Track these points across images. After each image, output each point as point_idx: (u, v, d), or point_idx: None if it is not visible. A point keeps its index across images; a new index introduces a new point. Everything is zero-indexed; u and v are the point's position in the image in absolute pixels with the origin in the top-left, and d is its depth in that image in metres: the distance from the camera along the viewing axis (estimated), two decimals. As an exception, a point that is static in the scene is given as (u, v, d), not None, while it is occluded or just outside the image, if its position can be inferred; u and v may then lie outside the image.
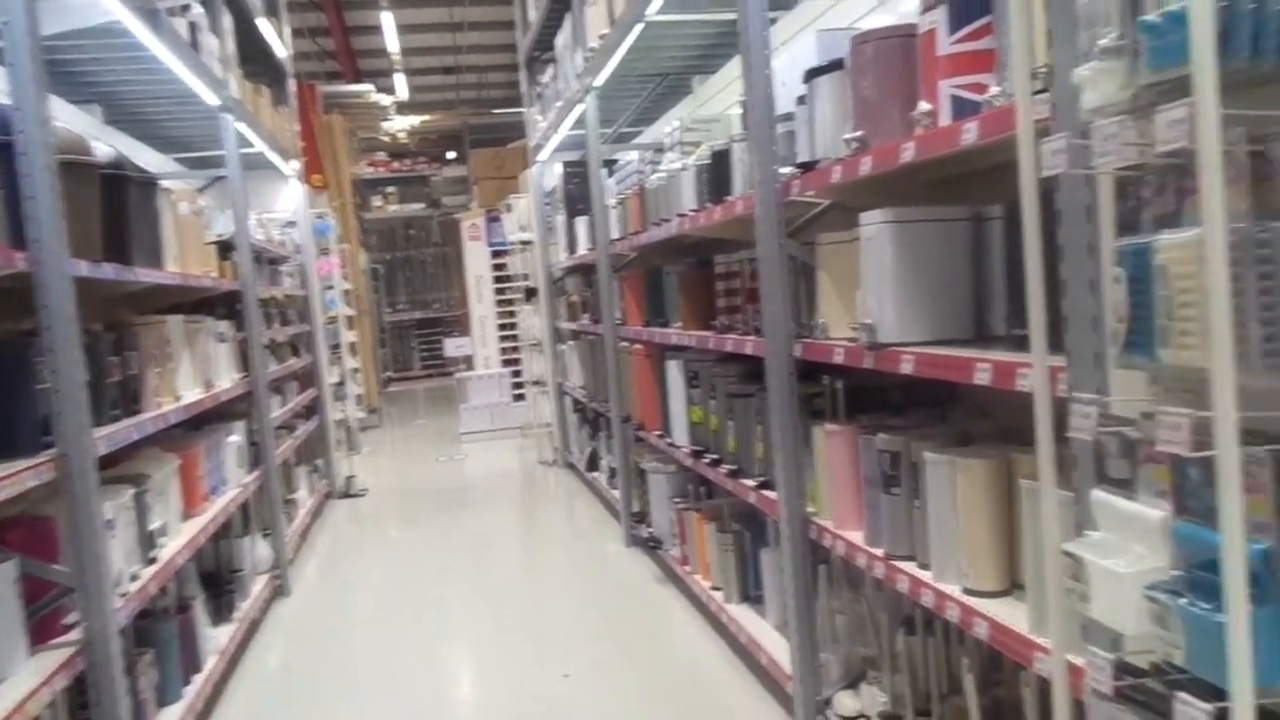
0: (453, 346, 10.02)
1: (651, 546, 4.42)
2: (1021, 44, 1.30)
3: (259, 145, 5.25)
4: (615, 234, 4.73)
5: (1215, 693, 1.02)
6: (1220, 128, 0.94)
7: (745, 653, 3.20)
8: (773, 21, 3.81)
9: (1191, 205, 1.01)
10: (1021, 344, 1.48)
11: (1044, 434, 1.31)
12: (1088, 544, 1.20)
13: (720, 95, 4.62)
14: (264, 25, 5.77)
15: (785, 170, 2.53)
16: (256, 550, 4.27)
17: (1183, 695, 1.03)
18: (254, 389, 4.39)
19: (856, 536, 2.34)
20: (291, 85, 6.80)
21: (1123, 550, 1.15)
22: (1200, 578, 1.03)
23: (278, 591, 4.45)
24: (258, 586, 4.13)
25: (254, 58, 5.52)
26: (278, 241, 6.05)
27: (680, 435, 3.77)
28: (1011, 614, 1.76)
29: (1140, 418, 1.15)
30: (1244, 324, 0.96)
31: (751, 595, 3.39)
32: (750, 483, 2.98)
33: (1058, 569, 1.23)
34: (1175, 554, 1.09)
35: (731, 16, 2.63)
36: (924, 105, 1.89)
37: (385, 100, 13.15)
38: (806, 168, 2.44)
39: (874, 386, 2.49)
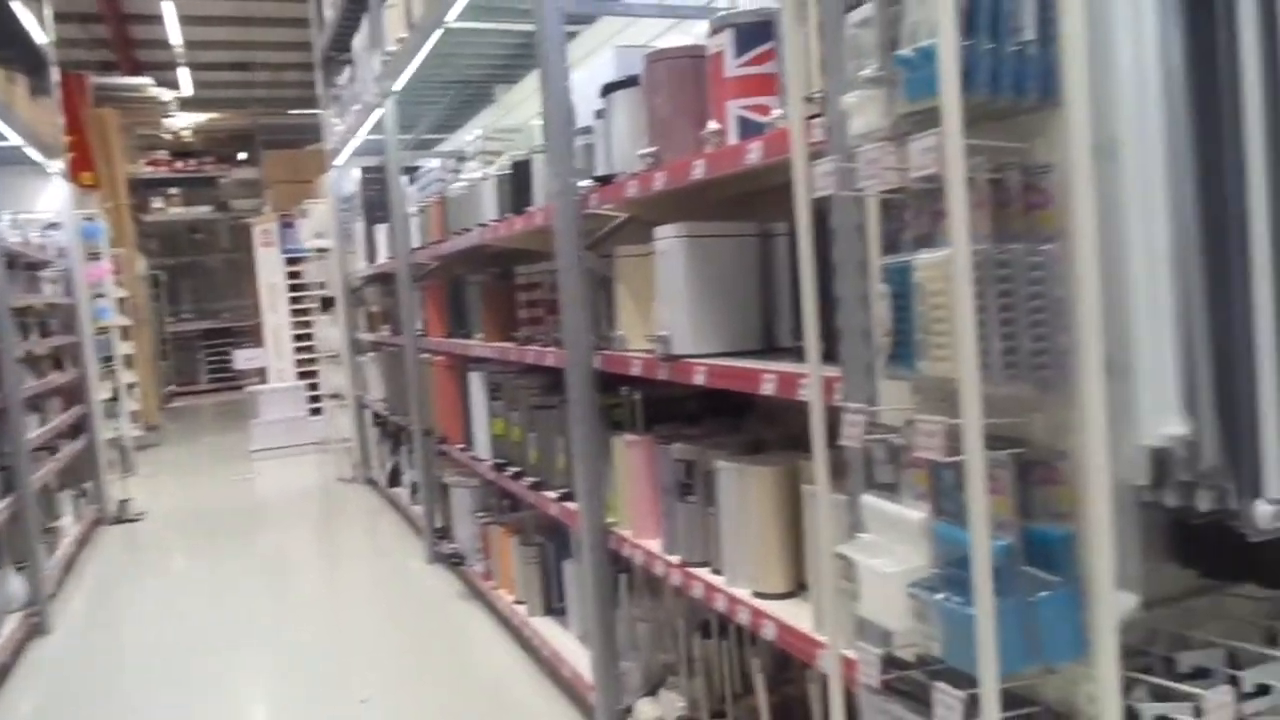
0: (244, 359, 9.46)
1: (454, 562, 4.32)
2: (795, 71, 1.37)
3: (14, 138, 4.75)
4: (416, 243, 4.61)
5: (968, 681, 1.10)
6: (964, 156, 1.01)
7: (549, 666, 3.19)
8: (573, 36, 3.85)
9: (943, 227, 1.09)
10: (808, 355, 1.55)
11: (819, 442, 1.38)
12: (858, 546, 1.26)
13: (523, 105, 4.60)
14: (19, 7, 5.24)
15: (583, 183, 2.55)
16: (8, 585, 3.84)
17: (940, 685, 1.10)
18: (6, 406, 3.96)
19: (654, 545, 2.38)
20: (55, 74, 6.21)
21: (889, 551, 1.22)
22: (954, 574, 1.11)
23: (35, 630, 4.02)
24: (9, 626, 3.72)
25: (8, 42, 5.00)
26: (37, 245, 5.50)
27: (483, 448, 3.71)
28: (797, 614, 1.83)
29: (904, 425, 1.23)
30: (987, 338, 1.04)
31: (555, 608, 3.38)
32: (552, 495, 2.97)
33: (832, 570, 1.29)
34: (934, 553, 1.16)
35: (532, 28, 2.63)
36: (713, 124, 1.95)
37: (167, 95, 12.26)
38: (604, 181, 2.46)
39: (674, 397, 2.54)
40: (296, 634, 3.98)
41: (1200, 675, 1.30)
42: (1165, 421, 1.12)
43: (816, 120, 1.43)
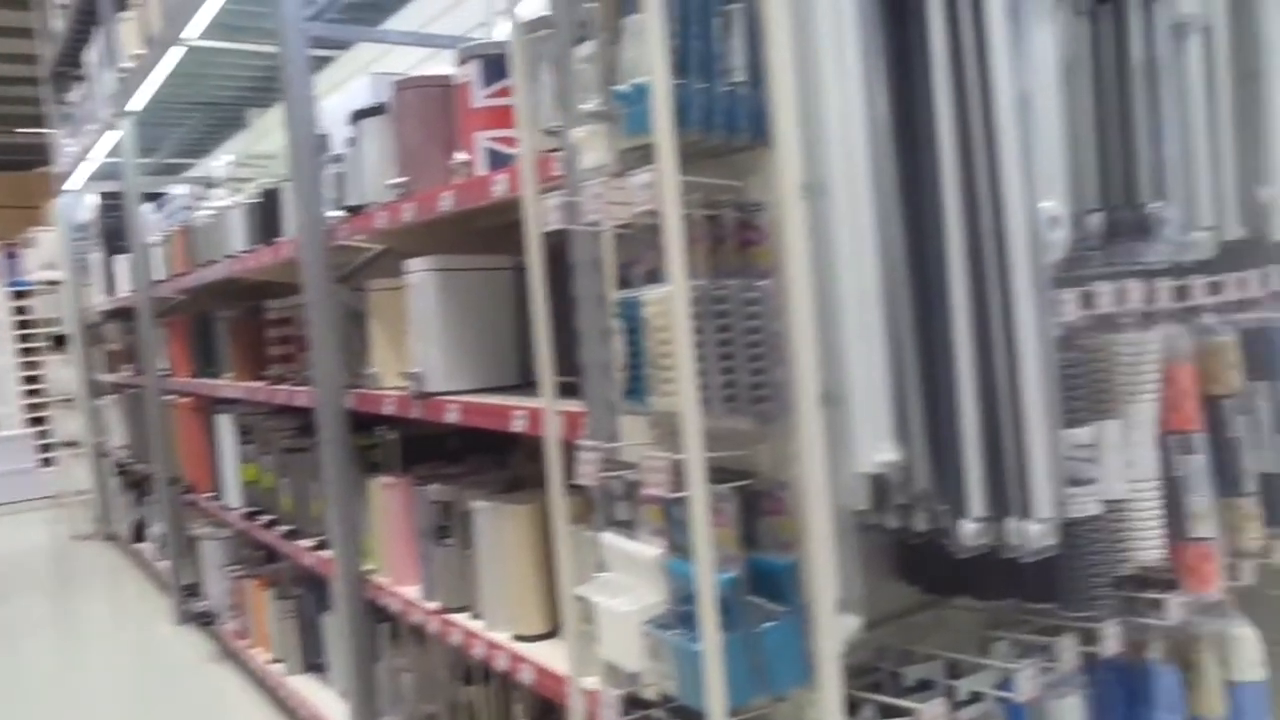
0: (-41, 405, 8.36)
1: (205, 622, 3.98)
2: (525, 103, 1.35)
3: None
4: (160, 275, 4.25)
5: (703, 717, 1.09)
6: (680, 193, 1.02)
7: (307, 728, 2.97)
8: (329, 61, 3.69)
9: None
10: (559, 391, 1.52)
11: (555, 480, 1.35)
12: (598, 585, 1.24)
13: (278, 130, 4.36)
14: None
15: (333, 213, 2.43)
16: None
17: (674, 723, 1.09)
18: None
19: (413, 591, 2.27)
20: None
21: (628, 589, 1.20)
22: (687, 610, 1.11)
23: None
24: None
25: None
26: None
27: (233, 496, 3.44)
28: (554, 656, 1.79)
29: (640, 461, 1.22)
30: (707, 372, 1.05)
31: (315, 664, 3.16)
32: (308, 543, 2.79)
33: (573, 612, 1.26)
34: (669, 589, 1.16)
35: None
36: (461, 155, 1.91)
37: None
38: (354, 211, 2.36)
39: (436, 435, 2.45)
40: None
41: (924, 687, 1.38)
42: (879, 449, 1.17)
43: (556, 154, 1.41)
